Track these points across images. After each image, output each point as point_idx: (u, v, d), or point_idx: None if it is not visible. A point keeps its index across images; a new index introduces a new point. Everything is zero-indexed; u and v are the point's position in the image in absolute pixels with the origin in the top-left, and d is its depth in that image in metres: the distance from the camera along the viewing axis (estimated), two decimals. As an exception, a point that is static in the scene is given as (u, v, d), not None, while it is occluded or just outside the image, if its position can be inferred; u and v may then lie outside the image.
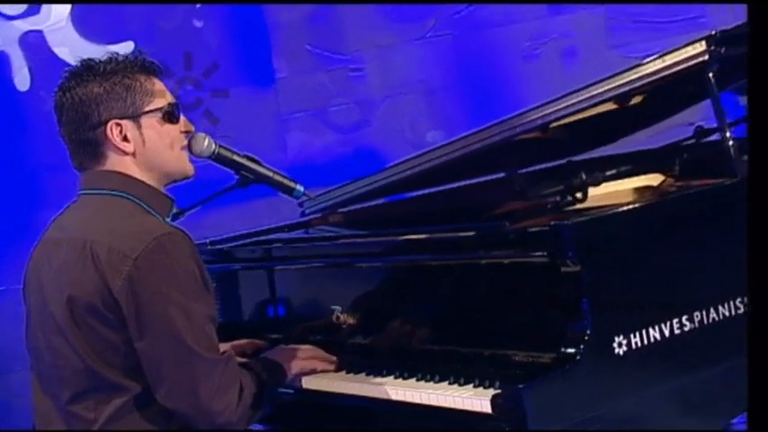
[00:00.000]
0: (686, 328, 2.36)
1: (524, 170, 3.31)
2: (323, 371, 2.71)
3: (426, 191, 3.42)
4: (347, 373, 2.68)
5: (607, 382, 2.25)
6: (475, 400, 2.28)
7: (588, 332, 2.22)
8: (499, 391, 2.24)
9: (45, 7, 4.84)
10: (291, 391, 2.69)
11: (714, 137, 3.03)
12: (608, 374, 2.25)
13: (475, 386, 2.35)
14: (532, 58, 5.45)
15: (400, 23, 5.39)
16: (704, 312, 2.39)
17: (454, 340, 2.54)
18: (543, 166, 3.25)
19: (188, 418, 2.31)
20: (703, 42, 2.51)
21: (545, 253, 2.29)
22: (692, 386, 2.40)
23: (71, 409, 2.36)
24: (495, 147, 2.84)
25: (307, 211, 3.40)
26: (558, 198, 2.83)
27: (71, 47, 4.82)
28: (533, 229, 2.37)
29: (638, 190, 3.00)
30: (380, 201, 3.45)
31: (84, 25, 4.91)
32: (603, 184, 2.93)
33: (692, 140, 3.25)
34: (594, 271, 2.26)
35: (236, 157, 2.64)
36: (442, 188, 3.41)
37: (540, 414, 2.16)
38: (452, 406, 2.33)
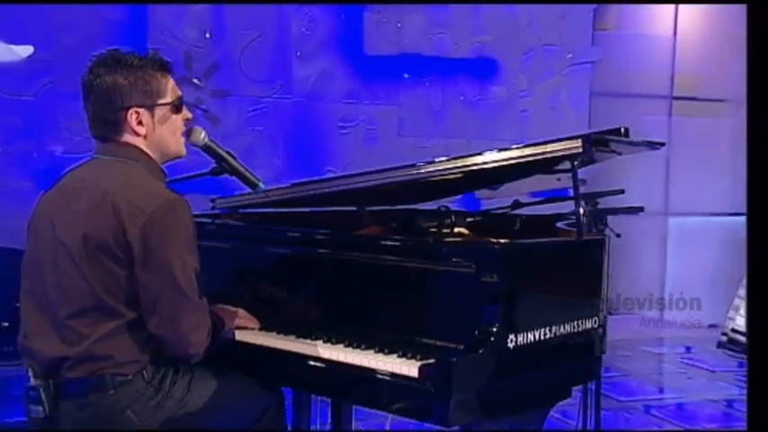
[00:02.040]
0: (547, 336, 2.57)
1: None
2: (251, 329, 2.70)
3: (307, 209, 3.47)
4: (278, 333, 2.66)
5: (502, 365, 2.41)
6: (403, 366, 2.34)
7: (497, 325, 2.39)
8: (431, 360, 2.32)
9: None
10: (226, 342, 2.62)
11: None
12: (502, 361, 2.41)
13: (399, 356, 2.41)
14: (344, 133, 5.62)
15: (256, 82, 5.39)
16: (557, 326, 2.61)
17: (381, 323, 2.59)
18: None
19: (168, 344, 2.34)
20: (580, 140, 2.73)
21: (473, 264, 2.44)
22: (543, 378, 2.62)
23: (68, 323, 2.30)
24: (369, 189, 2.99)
25: (216, 207, 3.34)
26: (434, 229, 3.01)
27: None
28: (467, 246, 2.50)
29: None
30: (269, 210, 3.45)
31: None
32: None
33: (508, 208, 3.51)
34: (506, 282, 2.42)
35: (220, 151, 2.67)
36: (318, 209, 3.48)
37: (459, 382, 2.28)
38: (383, 368, 2.37)
